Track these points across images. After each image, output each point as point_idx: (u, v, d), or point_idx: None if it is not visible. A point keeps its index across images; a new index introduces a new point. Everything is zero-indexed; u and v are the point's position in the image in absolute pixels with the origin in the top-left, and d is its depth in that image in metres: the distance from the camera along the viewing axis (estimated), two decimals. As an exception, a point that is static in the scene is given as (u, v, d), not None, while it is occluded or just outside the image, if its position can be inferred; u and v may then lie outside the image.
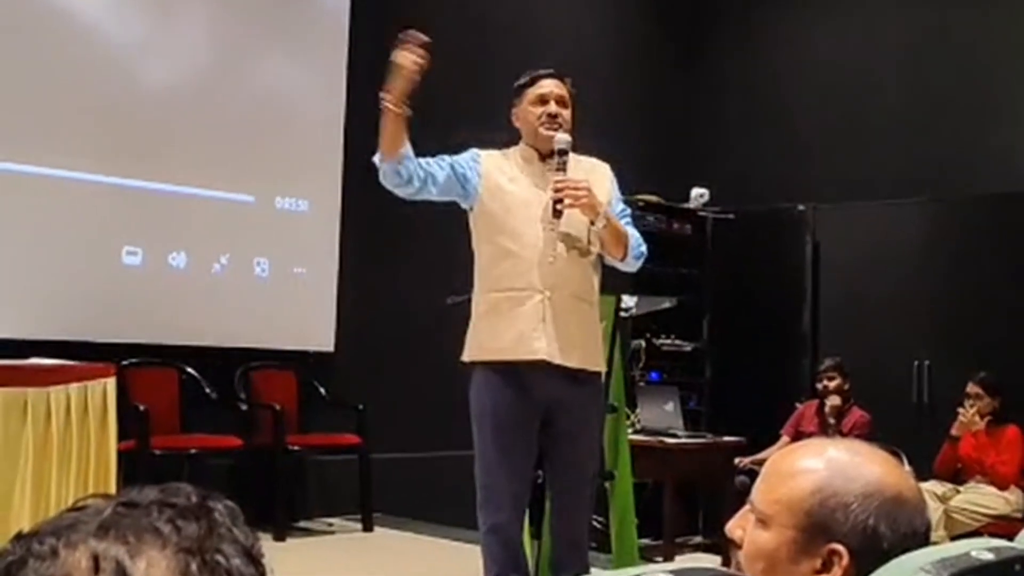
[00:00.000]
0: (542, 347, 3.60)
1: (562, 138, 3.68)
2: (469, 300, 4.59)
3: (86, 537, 0.79)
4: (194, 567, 0.79)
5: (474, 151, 3.81)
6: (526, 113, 3.77)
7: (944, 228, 7.19)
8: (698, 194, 8.05)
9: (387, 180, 3.68)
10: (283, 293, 6.53)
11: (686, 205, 8.03)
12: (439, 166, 3.72)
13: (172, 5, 6.25)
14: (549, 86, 3.77)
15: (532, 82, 3.79)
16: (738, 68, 8.75)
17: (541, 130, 3.71)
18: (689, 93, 8.83)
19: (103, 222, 5.91)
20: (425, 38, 3.61)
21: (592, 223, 3.64)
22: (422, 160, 3.70)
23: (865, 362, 6.76)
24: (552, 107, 3.72)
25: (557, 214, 3.57)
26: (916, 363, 7.04)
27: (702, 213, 8.04)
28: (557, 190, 3.56)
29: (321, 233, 6.70)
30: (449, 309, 4.29)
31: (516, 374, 3.63)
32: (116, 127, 5.95)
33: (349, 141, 6.75)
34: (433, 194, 3.73)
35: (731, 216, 8.00)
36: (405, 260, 7.01)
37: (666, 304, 6.12)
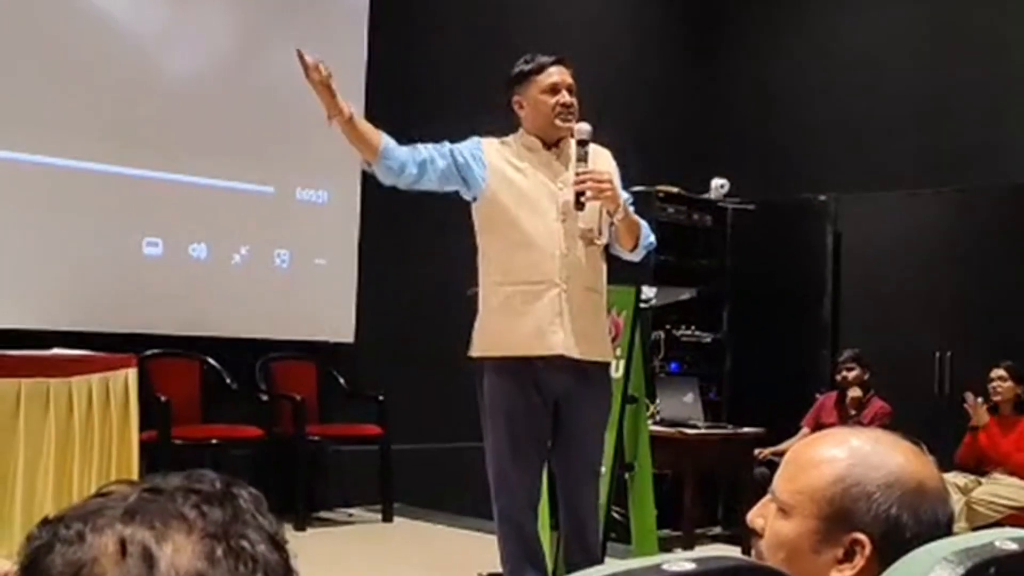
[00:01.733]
0: (559, 341, 3.57)
1: (584, 128, 3.62)
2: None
3: (112, 522, 0.79)
4: (219, 552, 0.80)
5: (475, 139, 3.74)
6: (536, 102, 3.67)
7: (966, 218, 7.15)
8: (718, 185, 8.02)
9: (385, 179, 3.66)
10: (303, 284, 6.54)
11: (706, 196, 8.01)
12: (438, 153, 3.66)
13: (192, -3, 6.26)
14: (560, 74, 3.68)
15: (540, 70, 3.69)
16: (759, 57, 8.71)
17: (557, 121, 3.64)
18: (709, 83, 8.79)
19: (124, 213, 5.93)
20: (305, 56, 3.65)
21: (610, 214, 3.60)
22: (418, 146, 3.65)
23: (886, 353, 6.73)
24: (565, 96, 3.65)
25: (580, 206, 3.52)
26: (938, 354, 7.00)
27: (722, 204, 8.01)
28: (580, 181, 3.51)
29: (341, 224, 6.71)
30: (470, 300, 4.28)
31: (531, 368, 3.60)
32: (136, 118, 5.96)
33: (369, 132, 6.75)
34: (433, 182, 3.67)
35: (751, 207, 7.97)
36: (425, 251, 7.01)
37: (686, 295, 6.11)
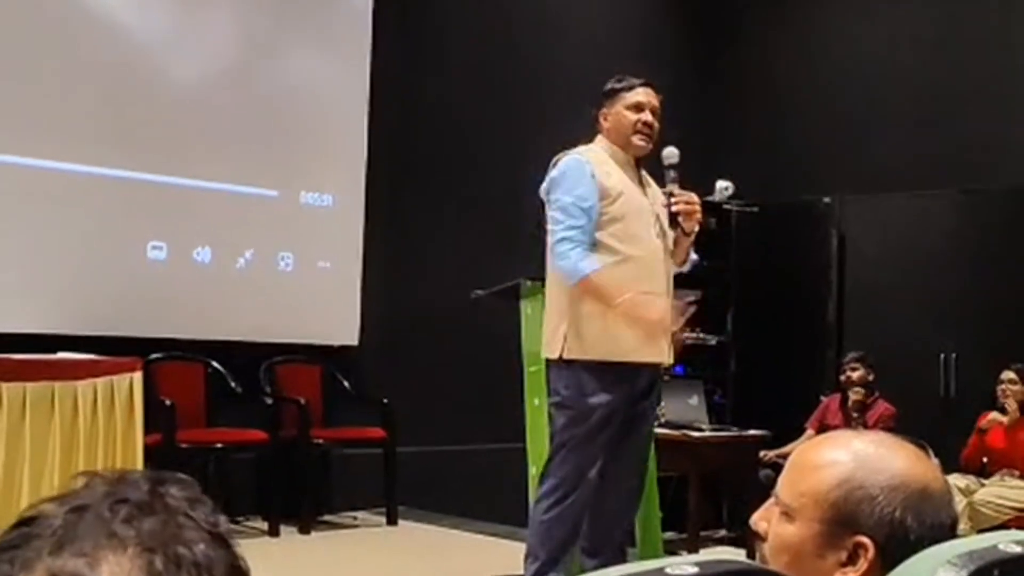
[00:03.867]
0: (665, 349, 3.84)
1: (673, 152, 3.88)
2: (494, 294, 4.64)
3: (41, 555, 0.75)
4: (159, 564, 0.76)
5: (577, 161, 3.80)
6: (620, 116, 3.87)
7: (971, 220, 7.14)
8: (723, 187, 8.01)
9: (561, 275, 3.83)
10: (307, 287, 6.55)
11: (710, 198, 7.99)
12: (582, 220, 3.75)
13: (197, 1, 6.27)
14: (647, 95, 3.91)
15: (629, 88, 3.91)
16: (762, 60, 8.71)
17: (635, 138, 3.86)
18: (713, 85, 8.79)
19: (128, 217, 5.94)
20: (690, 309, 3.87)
21: (686, 235, 3.86)
22: (582, 235, 3.75)
23: (891, 355, 6.73)
24: (647, 116, 3.88)
25: (675, 225, 3.80)
26: (942, 356, 6.99)
27: (727, 206, 8.00)
28: (678, 202, 3.78)
29: (345, 227, 6.71)
30: (474, 303, 4.30)
31: (630, 373, 3.79)
32: (140, 123, 5.97)
33: (373, 135, 6.76)
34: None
35: (756, 209, 7.97)
36: (429, 254, 7.02)
37: (691, 298, 6.09)
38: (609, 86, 3.94)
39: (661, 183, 3.99)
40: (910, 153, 7.73)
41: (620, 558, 3.87)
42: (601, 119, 3.92)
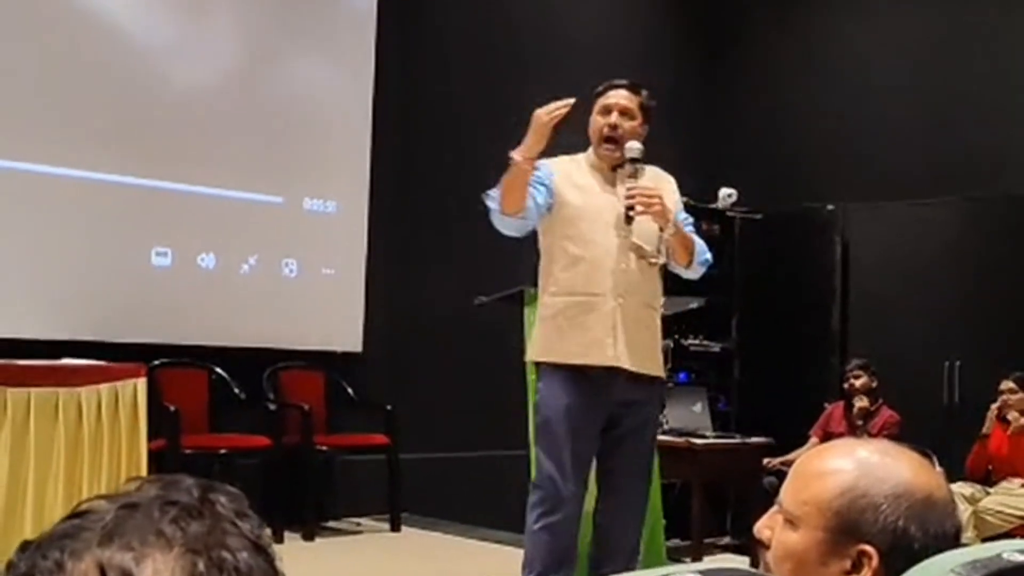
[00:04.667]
0: (614, 353, 3.68)
1: (634, 146, 3.73)
2: (498, 301, 4.62)
3: (90, 546, 0.78)
4: (201, 566, 0.78)
5: (545, 163, 3.79)
6: (592, 121, 3.82)
7: (974, 227, 7.14)
8: (726, 194, 8.02)
9: (504, 228, 3.73)
10: (311, 294, 6.55)
11: (714, 205, 8.01)
12: (534, 197, 3.72)
13: (200, 6, 6.28)
14: (616, 97, 3.81)
15: (604, 91, 3.84)
16: (766, 67, 8.71)
17: (601, 149, 3.77)
18: (716, 93, 8.80)
19: (132, 223, 5.95)
20: (571, 101, 3.55)
21: (661, 230, 3.70)
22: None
23: (895, 362, 6.72)
24: (612, 118, 3.77)
25: (629, 220, 3.64)
26: (947, 363, 6.99)
27: (730, 213, 8.01)
28: (629, 197, 3.62)
29: (349, 234, 6.72)
30: (477, 310, 4.30)
31: (587, 378, 3.70)
32: (145, 129, 5.98)
33: (377, 142, 6.77)
34: (535, 221, 3.77)
35: (759, 216, 7.97)
36: (433, 261, 7.02)
37: (694, 305, 6.09)
38: (594, 91, 3.91)
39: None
40: (913, 161, 7.73)
41: (630, 568, 3.83)
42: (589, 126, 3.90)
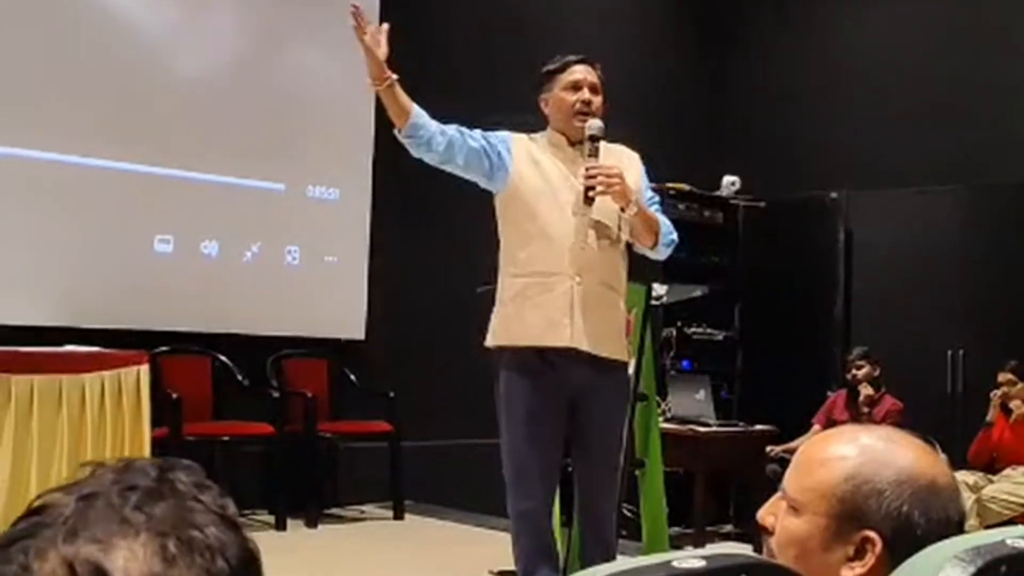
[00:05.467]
0: (570, 334, 3.57)
1: (595, 124, 3.63)
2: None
3: (55, 544, 0.75)
4: (172, 547, 0.77)
5: (506, 133, 3.76)
6: (558, 99, 3.70)
7: (978, 216, 7.13)
8: (729, 182, 8.01)
9: (415, 150, 3.67)
10: (314, 281, 6.56)
11: (717, 193, 8.00)
12: (470, 137, 3.68)
13: (204, -6, 6.27)
14: (582, 72, 3.71)
15: (564, 68, 3.72)
16: (769, 55, 8.69)
17: (575, 121, 3.66)
18: (720, 80, 8.78)
19: (135, 211, 5.95)
20: (360, 15, 3.69)
21: (623, 210, 3.60)
22: (450, 127, 3.67)
23: (899, 350, 6.72)
24: (585, 94, 3.67)
25: (589, 200, 3.53)
26: (950, 351, 6.99)
27: (733, 201, 8.00)
28: (589, 176, 3.52)
29: (352, 221, 6.72)
30: (479, 297, 4.29)
31: (544, 360, 3.60)
32: (148, 116, 5.98)
33: (379, 129, 6.75)
34: (459, 164, 3.68)
35: (762, 204, 7.96)
36: (436, 248, 7.02)
37: (697, 292, 6.10)
38: (544, 70, 3.77)
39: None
40: (918, 149, 7.72)
41: (606, 554, 3.76)
42: (542, 105, 3.76)
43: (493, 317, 3.73)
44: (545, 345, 3.58)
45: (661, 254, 3.79)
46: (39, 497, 0.80)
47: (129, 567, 0.75)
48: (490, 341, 3.72)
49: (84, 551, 0.75)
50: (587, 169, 3.54)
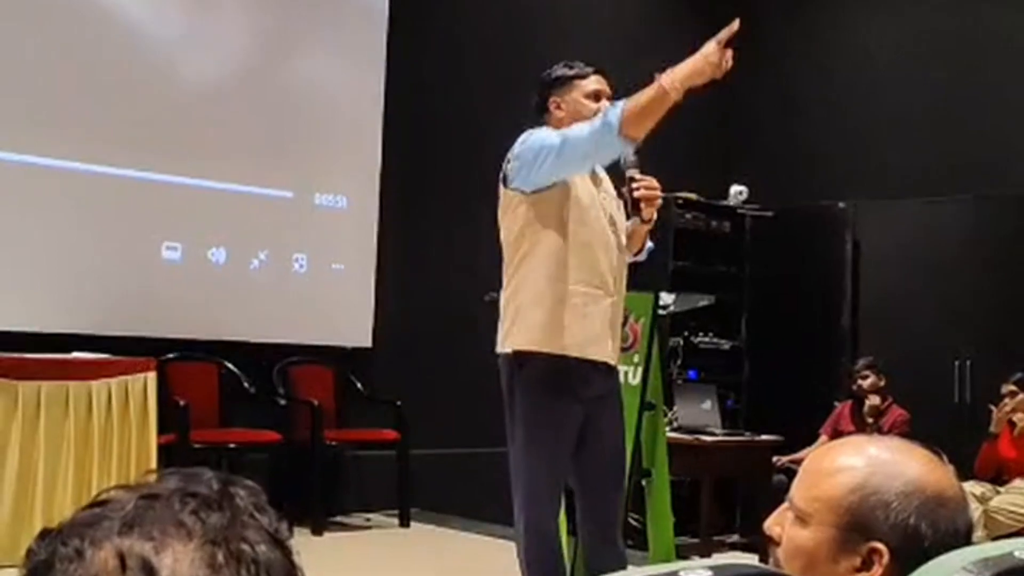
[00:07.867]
0: (610, 349, 3.55)
1: None
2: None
3: (110, 535, 0.78)
4: (220, 557, 0.79)
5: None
6: (578, 105, 3.61)
7: (986, 226, 7.11)
8: (737, 191, 8.01)
9: (597, 150, 3.41)
10: (321, 289, 6.56)
11: (725, 203, 8.00)
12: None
13: (212, 1, 6.29)
14: (600, 83, 3.68)
15: (584, 75, 3.66)
16: (778, 65, 8.69)
17: None
18: (728, 90, 8.75)
19: (143, 218, 5.96)
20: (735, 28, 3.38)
21: (643, 221, 3.56)
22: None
23: (905, 361, 6.70)
24: (605, 104, 3.61)
25: (638, 212, 3.48)
26: (957, 362, 6.97)
27: (741, 211, 7.99)
28: (643, 187, 3.47)
29: (359, 229, 6.72)
30: (487, 305, 4.28)
31: (575, 372, 3.49)
32: (156, 123, 5.99)
33: (388, 137, 6.77)
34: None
35: (770, 214, 7.95)
36: (443, 256, 7.02)
37: (704, 302, 6.08)
38: (559, 73, 3.66)
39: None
40: (925, 158, 7.71)
41: (619, 561, 3.73)
42: (553, 107, 3.63)
43: (517, 320, 3.53)
44: (586, 357, 3.50)
45: (642, 257, 3.81)
46: (104, 491, 0.83)
47: (177, 568, 0.78)
48: (516, 345, 3.52)
49: (137, 546, 0.78)
50: (634, 179, 3.48)
